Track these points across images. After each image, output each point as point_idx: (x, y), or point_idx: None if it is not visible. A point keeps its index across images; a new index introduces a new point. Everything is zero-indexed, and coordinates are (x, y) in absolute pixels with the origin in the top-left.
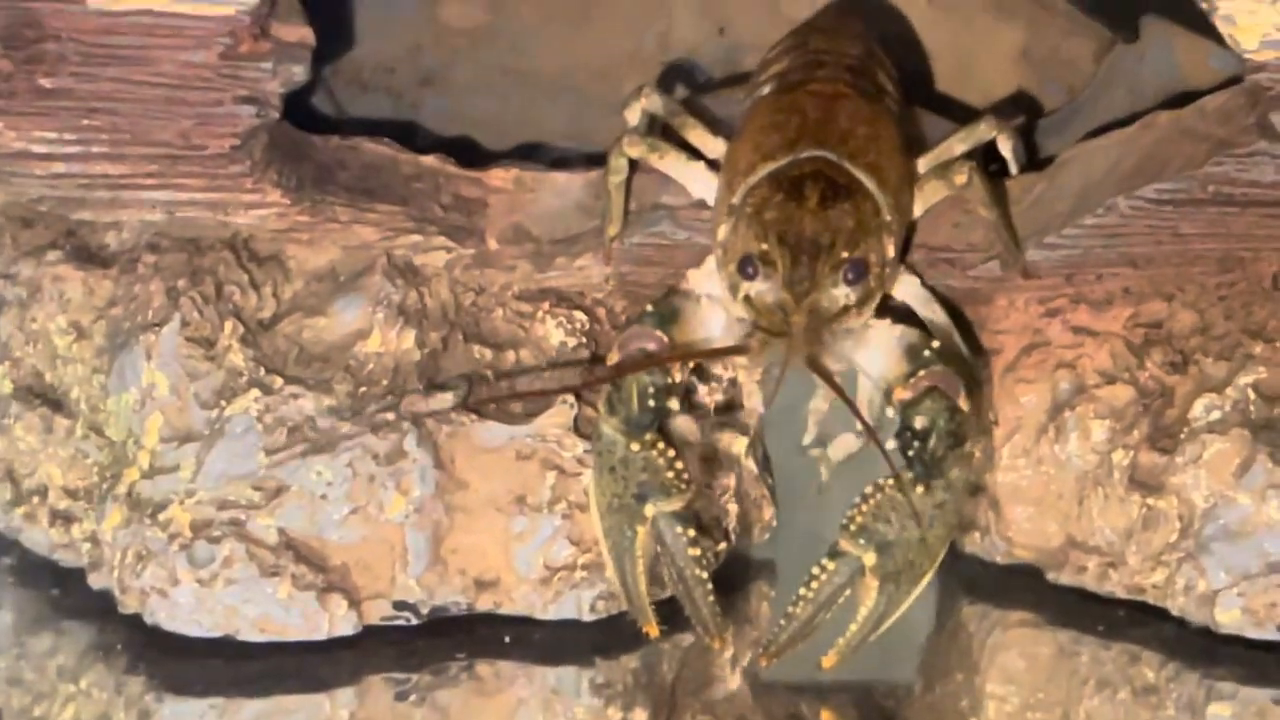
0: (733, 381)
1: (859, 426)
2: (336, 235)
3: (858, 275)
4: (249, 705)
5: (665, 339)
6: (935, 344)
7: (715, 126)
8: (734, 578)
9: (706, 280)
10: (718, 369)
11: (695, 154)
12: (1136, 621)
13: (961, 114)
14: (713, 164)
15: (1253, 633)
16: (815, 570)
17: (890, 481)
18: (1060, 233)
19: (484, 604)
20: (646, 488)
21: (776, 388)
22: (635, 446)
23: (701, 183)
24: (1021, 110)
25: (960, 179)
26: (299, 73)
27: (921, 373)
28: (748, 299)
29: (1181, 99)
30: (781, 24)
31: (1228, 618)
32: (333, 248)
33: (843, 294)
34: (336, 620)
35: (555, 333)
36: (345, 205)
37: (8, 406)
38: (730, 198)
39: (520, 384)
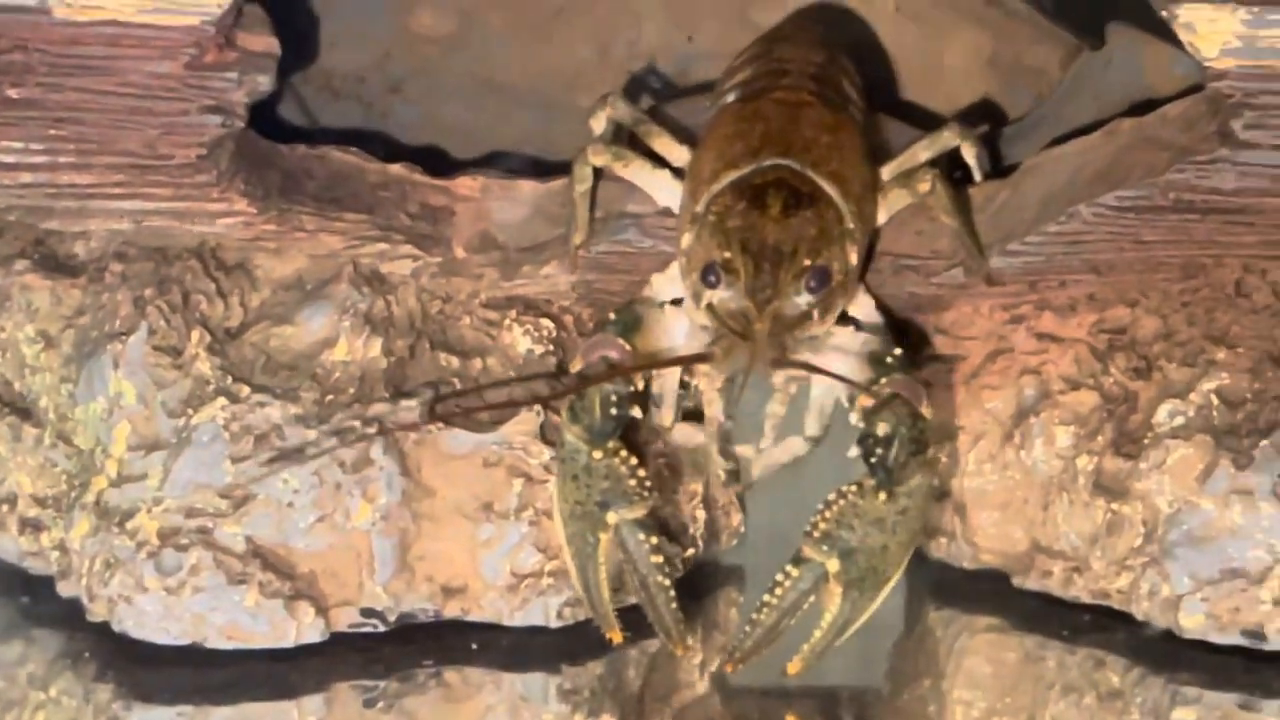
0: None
1: (806, 432)
2: (303, 244)
3: (820, 283)
4: (216, 713)
5: (628, 347)
6: (898, 352)
7: (681, 134)
8: (703, 583)
9: (670, 285)
10: (686, 375)
11: (661, 162)
12: (1101, 626)
13: (928, 121)
14: (678, 172)
15: (1216, 637)
16: (779, 577)
17: (853, 488)
18: (1023, 240)
19: (451, 611)
20: (609, 495)
21: (739, 395)
22: (598, 454)
23: (666, 191)
24: (989, 117)
25: (923, 187)
26: (264, 82)
27: (884, 380)
28: (711, 307)
29: (1148, 105)
30: (750, 31)
31: (1192, 622)
32: (299, 256)
33: (805, 301)
34: (304, 628)
35: (522, 340)
36: (312, 214)
37: None
38: (694, 206)
39: (487, 393)
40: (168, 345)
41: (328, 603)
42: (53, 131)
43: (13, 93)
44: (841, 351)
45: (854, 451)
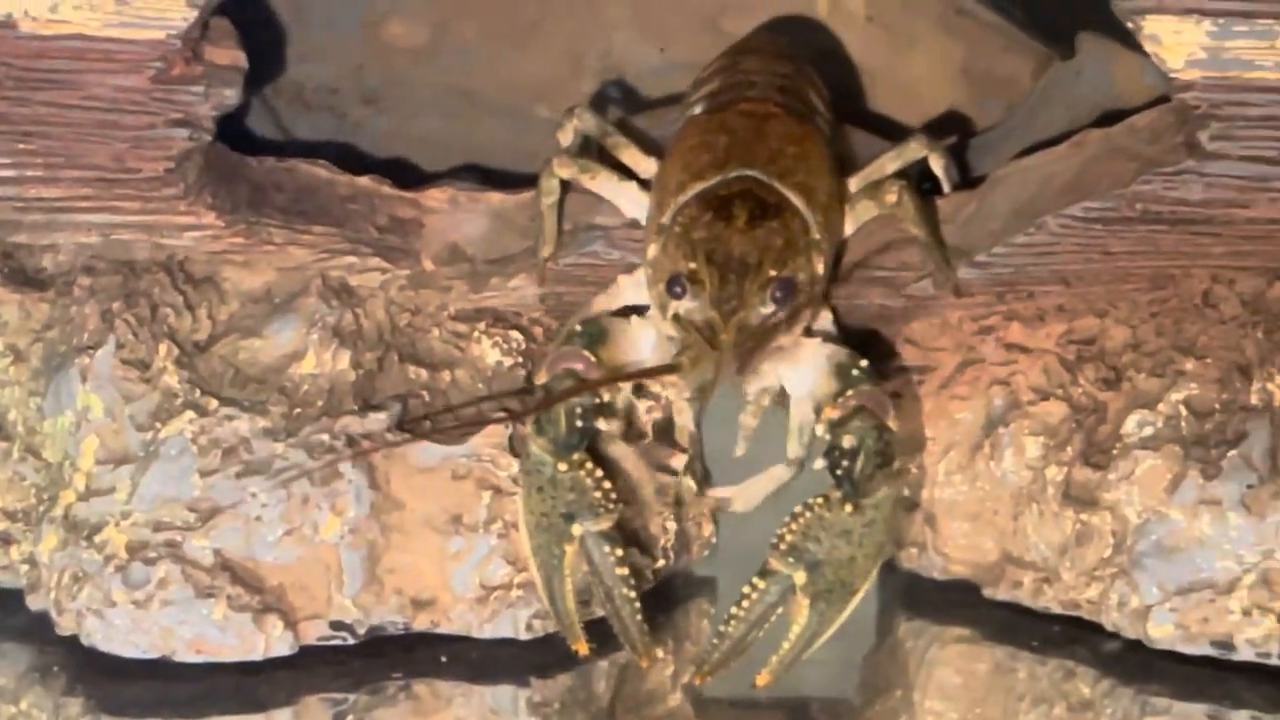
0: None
1: (788, 455)
2: (271, 257)
3: (786, 294)
4: None
5: (593, 359)
6: (864, 363)
7: (648, 146)
8: (675, 594)
9: (635, 289)
10: (654, 386)
11: (628, 174)
12: (1071, 637)
13: (900, 132)
14: (645, 184)
15: (1186, 648)
16: (746, 589)
17: (819, 500)
18: (991, 251)
19: (421, 623)
20: (574, 507)
21: (704, 405)
22: (563, 467)
23: (634, 202)
24: (961, 127)
25: (890, 198)
26: (231, 95)
27: (850, 392)
28: (677, 318)
29: (1119, 115)
30: (722, 42)
31: (1161, 633)
32: (268, 269)
33: (771, 312)
34: (273, 641)
35: (491, 352)
36: (280, 227)
37: None
38: (660, 217)
39: (456, 410)
40: (136, 359)
41: (296, 616)
42: (20, 145)
43: None
44: (808, 363)
45: (820, 464)
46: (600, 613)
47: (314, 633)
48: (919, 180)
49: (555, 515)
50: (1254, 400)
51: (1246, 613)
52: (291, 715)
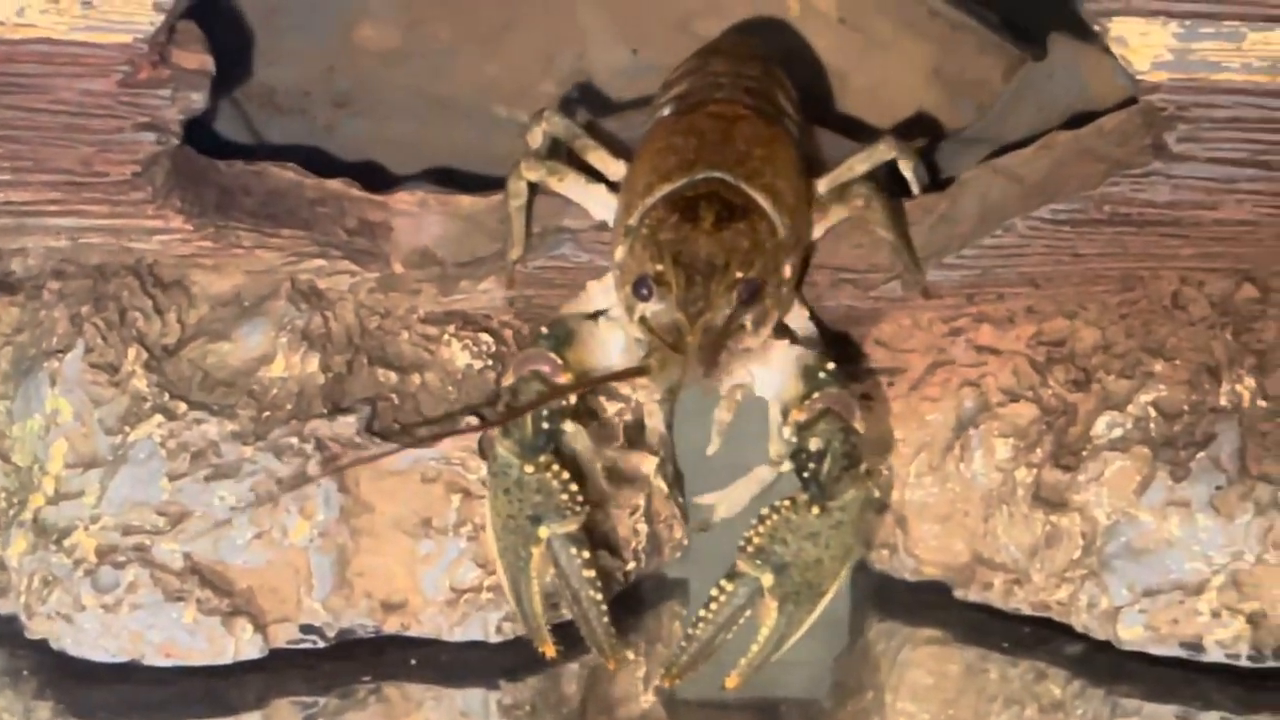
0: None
1: (771, 456)
2: (240, 260)
3: (752, 295)
4: None
5: (559, 360)
6: (831, 365)
7: (616, 148)
8: (647, 597)
9: (605, 294)
10: (624, 389)
11: (597, 176)
12: (1042, 638)
13: (870, 134)
14: (614, 186)
15: (1155, 649)
16: (714, 591)
17: (786, 503)
18: (960, 253)
19: (391, 626)
20: (541, 509)
21: (672, 407)
22: (529, 469)
23: (602, 205)
24: (931, 129)
25: (859, 200)
26: (198, 100)
27: (816, 395)
28: (644, 320)
29: (1091, 116)
30: (694, 44)
31: (1130, 634)
32: (237, 273)
33: (737, 314)
34: (242, 644)
35: (461, 355)
36: (249, 230)
37: None
38: (628, 219)
39: (426, 412)
40: (105, 362)
41: (266, 619)
42: None
43: None
44: (776, 365)
45: (787, 466)
46: (569, 615)
47: (284, 636)
48: (888, 182)
49: (522, 517)
50: (1223, 401)
51: (1215, 614)
52: (261, 718)
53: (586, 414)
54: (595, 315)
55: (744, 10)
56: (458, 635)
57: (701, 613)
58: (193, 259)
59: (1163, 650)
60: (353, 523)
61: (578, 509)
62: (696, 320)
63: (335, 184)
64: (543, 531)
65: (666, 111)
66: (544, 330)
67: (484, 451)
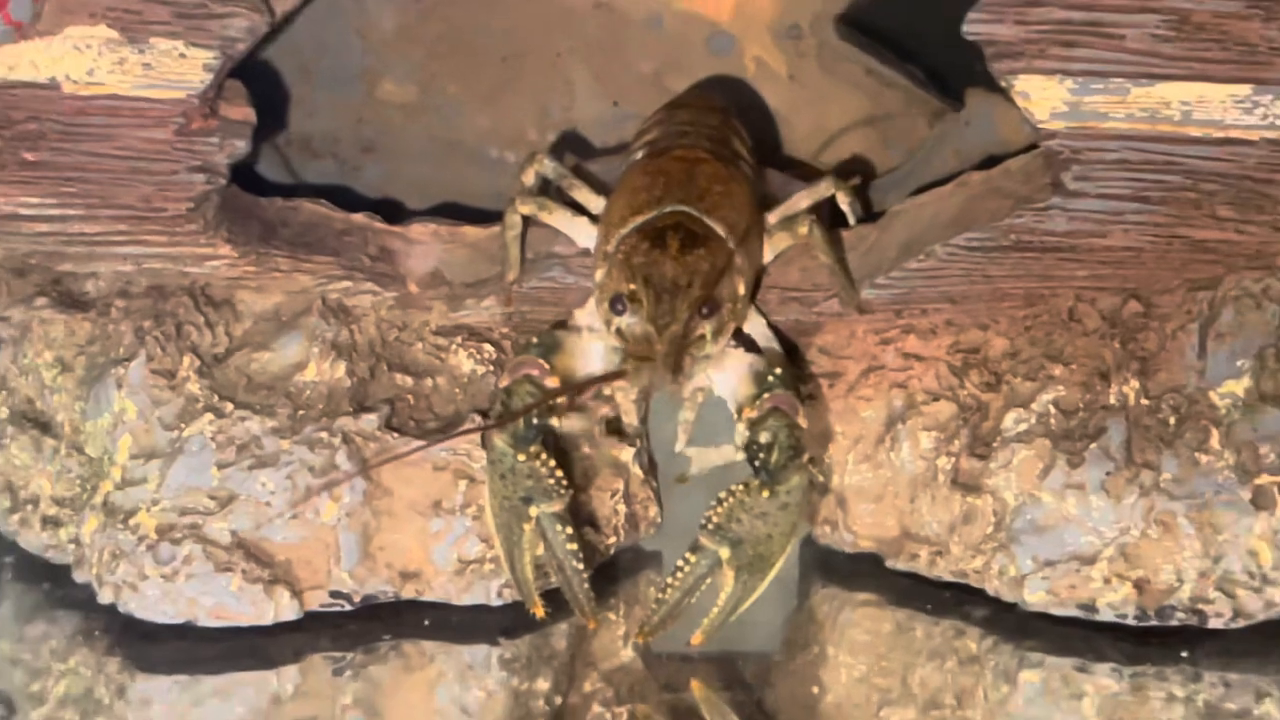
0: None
1: (736, 442)
2: (279, 282)
3: (711, 310)
4: (207, 681)
5: (546, 365)
6: (779, 370)
7: (597, 186)
8: (626, 566)
9: (589, 316)
10: (605, 390)
11: (580, 210)
12: (960, 601)
13: (813, 173)
14: (595, 218)
15: (1056, 611)
16: (680, 563)
17: (740, 487)
18: (889, 274)
19: (408, 592)
20: (532, 492)
21: (646, 406)
22: (522, 457)
23: (585, 234)
24: (866, 169)
25: (803, 230)
26: (242, 146)
27: (766, 395)
28: (619, 331)
29: (1002, 158)
30: (666, 97)
31: (1035, 598)
32: (277, 292)
33: (699, 326)
34: (281, 608)
35: (467, 362)
36: (286, 257)
37: (4, 429)
38: (606, 246)
39: (437, 410)
40: (163, 369)
41: (301, 586)
42: (63, 189)
43: (29, 156)
44: (732, 370)
45: (740, 455)
46: (556, 582)
47: (316, 601)
48: (829, 215)
49: (515, 499)
50: (1112, 400)
51: (1106, 581)
52: (297, 671)
53: (575, 410)
54: (578, 328)
55: (707, 69)
56: (464, 600)
57: (669, 580)
58: (238, 281)
59: (1062, 611)
60: (375, 505)
61: (563, 491)
62: (664, 332)
63: (360, 217)
64: (533, 511)
65: (639, 155)
66: (534, 340)
67: (484, 444)
